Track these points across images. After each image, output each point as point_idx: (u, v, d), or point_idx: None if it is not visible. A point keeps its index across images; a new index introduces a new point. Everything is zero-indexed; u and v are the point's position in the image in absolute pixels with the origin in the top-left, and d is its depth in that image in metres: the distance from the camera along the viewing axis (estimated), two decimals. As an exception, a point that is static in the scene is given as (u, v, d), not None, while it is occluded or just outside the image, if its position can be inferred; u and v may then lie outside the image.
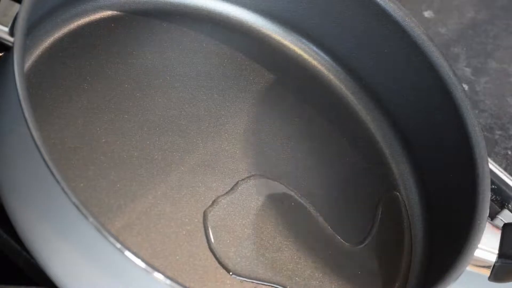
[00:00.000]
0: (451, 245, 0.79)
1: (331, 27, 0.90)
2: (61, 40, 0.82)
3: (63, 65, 0.81)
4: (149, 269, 0.63)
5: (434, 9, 1.19)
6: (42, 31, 0.81)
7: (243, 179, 0.83)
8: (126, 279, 0.65)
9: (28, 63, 0.79)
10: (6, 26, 0.70)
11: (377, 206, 0.88)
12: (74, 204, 0.62)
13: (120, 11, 0.88)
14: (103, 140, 0.78)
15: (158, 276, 0.63)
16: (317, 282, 0.80)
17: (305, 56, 0.98)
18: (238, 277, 0.77)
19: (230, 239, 0.79)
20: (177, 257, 0.75)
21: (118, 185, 0.76)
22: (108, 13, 0.87)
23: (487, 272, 0.80)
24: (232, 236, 0.79)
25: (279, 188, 0.84)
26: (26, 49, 0.73)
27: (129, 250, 0.62)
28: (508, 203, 0.98)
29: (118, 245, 0.62)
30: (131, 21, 0.88)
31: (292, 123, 0.90)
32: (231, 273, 0.77)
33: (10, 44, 0.70)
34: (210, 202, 0.80)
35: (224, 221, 0.80)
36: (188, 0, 0.94)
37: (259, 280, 0.78)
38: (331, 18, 0.93)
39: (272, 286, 0.78)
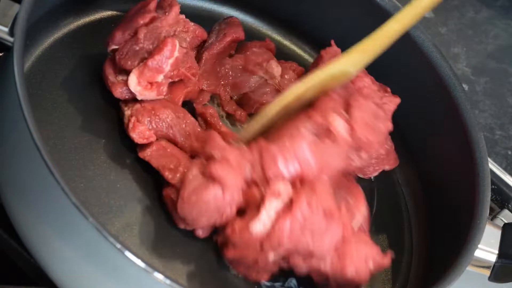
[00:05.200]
0: (451, 245, 0.79)
1: (331, 28, 0.90)
2: (61, 40, 0.83)
3: (63, 65, 0.81)
4: (149, 269, 0.63)
5: (434, 9, 1.19)
6: (42, 31, 0.81)
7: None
8: (126, 279, 0.65)
9: (28, 63, 0.79)
10: (6, 26, 0.71)
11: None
12: (74, 204, 0.62)
13: (120, 11, 0.88)
14: (103, 140, 0.78)
15: (158, 276, 0.63)
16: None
17: (305, 56, 0.98)
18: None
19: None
20: (178, 257, 0.75)
21: (118, 185, 0.76)
22: (108, 13, 0.87)
23: (487, 272, 0.80)
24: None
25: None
26: (26, 49, 0.73)
27: (129, 250, 0.63)
28: (508, 203, 0.98)
29: (118, 245, 0.62)
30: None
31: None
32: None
33: (10, 44, 0.70)
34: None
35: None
36: (188, 0, 0.94)
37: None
38: (331, 19, 0.93)
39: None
